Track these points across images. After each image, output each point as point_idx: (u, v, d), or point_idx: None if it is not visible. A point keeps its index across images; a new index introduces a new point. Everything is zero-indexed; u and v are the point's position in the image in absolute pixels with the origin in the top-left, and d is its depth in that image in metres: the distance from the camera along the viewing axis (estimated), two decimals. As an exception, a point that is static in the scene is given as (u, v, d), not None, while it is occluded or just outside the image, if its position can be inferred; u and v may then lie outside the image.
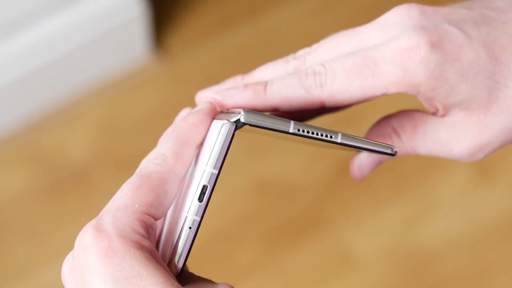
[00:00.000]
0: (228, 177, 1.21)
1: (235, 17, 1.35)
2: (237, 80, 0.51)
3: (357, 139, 0.46)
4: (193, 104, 0.50)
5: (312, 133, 0.45)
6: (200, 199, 0.43)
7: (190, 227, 0.43)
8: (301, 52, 0.51)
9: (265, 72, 0.51)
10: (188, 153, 0.44)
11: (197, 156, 0.45)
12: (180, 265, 0.43)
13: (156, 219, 0.43)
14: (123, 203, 0.42)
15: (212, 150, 0.43)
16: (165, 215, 0.45)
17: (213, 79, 1.30)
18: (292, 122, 0.45)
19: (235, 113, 0.45)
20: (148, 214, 0.42)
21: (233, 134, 0.43)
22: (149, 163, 0.44)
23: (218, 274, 1.15)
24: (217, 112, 0.47)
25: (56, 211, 1.18)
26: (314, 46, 0.50)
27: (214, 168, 0.43)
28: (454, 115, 0.49)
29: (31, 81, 1.21)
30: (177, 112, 0.49)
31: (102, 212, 0.42)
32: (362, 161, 0.53)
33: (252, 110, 0.44)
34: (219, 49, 1.32)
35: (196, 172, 0.44)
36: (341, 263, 1.16)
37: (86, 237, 0.41)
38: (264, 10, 1.35)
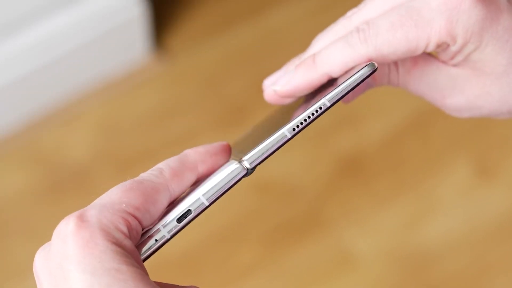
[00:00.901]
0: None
1: (235, 17, 1.35)
2: (295, 61, 0.51)
3: (341, 88, 0.45)
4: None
5: (305, 120, 0.44)
6: (180, 220, 0.43)
7: (156, 240, 0.42)
8: (348, 13, 0.51)
9: (318, 45, 0.51)
10: (187, 175, 0.44)
11: (199, 185, 0.45)
12: None
13: (141, 225, 0.42)
14: (111, 200, 0.41)
15: (215, 184, 0.43)
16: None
17: (213, 79, 1.31)
18: (284, 129, 0.44)
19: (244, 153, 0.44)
20: (133, 216, 0.42)
21: (240, 179, 0.43)
22: (145, 173, 0.44)
23: (218, 274, 1.15)
24: (230, 150, 0.47)
25: (56, 211, 1.18)
26: (361, 5, 0.50)
27: (207, 200, 0.43)
28: (462, 68, 0.50)
29: (31, 81, 1.21)
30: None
31: (88, 206, 0.41)
32: None
33: (249, 152, 0.43)
34: (219, 49, 1.32)
35: (189, 195, 0.44)
36: (341, 263, 1.16)
37: (68, 226, 0.40)
38: (264, 10, 1.35)
